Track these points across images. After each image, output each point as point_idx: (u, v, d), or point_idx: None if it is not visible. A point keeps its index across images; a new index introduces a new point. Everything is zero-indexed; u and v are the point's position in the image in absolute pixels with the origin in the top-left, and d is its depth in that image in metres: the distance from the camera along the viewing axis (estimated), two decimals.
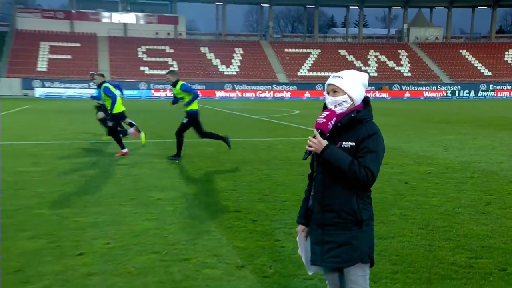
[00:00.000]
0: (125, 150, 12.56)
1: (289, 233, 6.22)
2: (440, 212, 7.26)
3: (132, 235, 6.04)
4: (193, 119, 12.16)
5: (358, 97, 3.09)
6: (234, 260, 5.26)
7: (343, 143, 3.00)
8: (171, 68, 13.09)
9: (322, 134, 3.00)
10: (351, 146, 2.98)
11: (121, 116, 13.18)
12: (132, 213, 7.09)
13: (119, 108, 12.86)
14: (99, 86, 13.12)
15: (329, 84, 3.12)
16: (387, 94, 64.85)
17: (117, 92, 13.14)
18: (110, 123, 12.85)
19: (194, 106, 12.15)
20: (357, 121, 3.03)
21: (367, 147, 2.95)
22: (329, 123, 3.02)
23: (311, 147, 2.99)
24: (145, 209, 7.29)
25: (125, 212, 7.15)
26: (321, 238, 3.09)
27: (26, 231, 6.19)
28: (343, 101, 3.05)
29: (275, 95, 63.40)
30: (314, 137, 2.99)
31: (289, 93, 63.97)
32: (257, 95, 63.01)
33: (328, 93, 3.12)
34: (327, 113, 3.04)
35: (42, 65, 63.41)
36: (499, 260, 5.25)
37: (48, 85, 59.47)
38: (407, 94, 65.66)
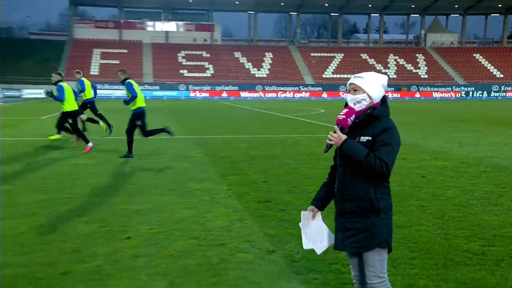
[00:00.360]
0: (90, 145, 12.36)
1: None
2: (455, 203, 7.15)
3: (173, 222, 6.11)
4: (138, 117, 11.56)
5: (377, 96, 3.08)
6: (265, 245, 5.27)
7: (361, 137, 2.99)
8: (122, 68, 12.48)
9: (342, 130, 3.01)
10: (368, 140, 2.97)
11: (76, 113, 12.96)
12: (172, 202, 7.16)
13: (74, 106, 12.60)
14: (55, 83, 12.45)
15: (350, 83, 3.12)
16: (405, 95, 63.83)
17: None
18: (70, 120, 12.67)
19: (140, 104, 11.53)
20: (373, 118, 3.01)
21: (382, 141, 2.93)
22: (348, 119, 3.02)
23: (331, 141, 3.01)
24: (184, 199, 7.35)
25: (166, 201, 7.23)
26: (343, 225, 3.10)
27: (81, 216, 6.33)
28: (362, 99, 3.05)
29: (302, 96, 63.10)
30: (334, 132, 3.00)
31: (314, 94, 63.57)
32: (285, 96, 62.82)
33: (349, 92, 3.13)
34: (347, 110, 3.05)
35: (94, 69, 64.46)
36: (510, 248, 5.17)
37: (100, 87, 59.84)
38: (424, 95, 64.59)
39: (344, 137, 2.97)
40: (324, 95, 63.23)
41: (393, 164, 2.97)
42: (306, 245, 3.34)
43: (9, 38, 77.29)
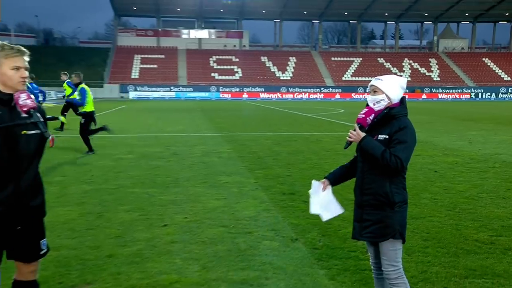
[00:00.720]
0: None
1: None
2: (465, 196, 7.03)
3: (205, 211, 6.14)
4: (88, 119, 11.41)
5: (395, 97, 3.03)
6: (289, 234, 5.26)
7: (379, 135, 2.96)
8: (77, 72, 12.05)
9: (362, 128, 2.98)
10: (385, 138, 2.93)
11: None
12: (204, 193, 7.19)
13: None
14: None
15: (371, 85, 3.09)
16: (418, 96, 62.89)
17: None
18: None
19: (89, 108, 11.35)
20: (391, 117, 2.97)
21: (398, 139, 2.89)
22: (368, 118, 2.99)
23: (351, 138, 3.00)
24: (215, 190, 7.38)
25: (198, 192, 7.26)
26: (360, 216, 3.07)
27: (123, 205, 6.42)
28: (381, 100, 3.00)
29: (323, 97, 62.78)
30: (354, 130, 2.98)
31: (335, 95, 63.18)
32: (308, 97, 62.56)
33: (370, 93, 3.09)
34: (367, 110, 3.03)
35: (135, 73, 65.28)
36: None
37: (139, 89, 61.15)
38: (436, 96, 63.68)
39: (363, 134, 2.95)
40: (343, 96, 62.73)
41: (408, 161, 2.93)
42: (314, 210, 3.32)
43: (62, 46, 79.32)
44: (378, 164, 2.90)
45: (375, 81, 3.06)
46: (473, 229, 5.40)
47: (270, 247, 4.80)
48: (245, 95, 61.46)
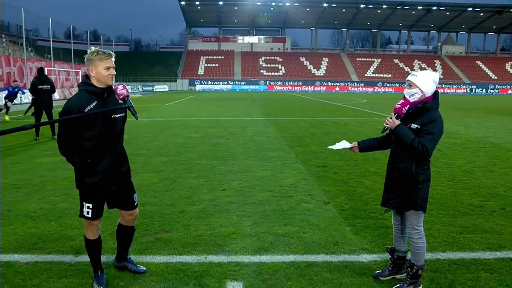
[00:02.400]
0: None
1: (359, 181, 5.99)
2: (462, 170, 6.85)
3: (255, 179, 6.13)
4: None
5: (428, 90, 2.81)
6: (322, 198, 5.16)
7: (412, 125, 2.79)
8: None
9: (398, 117, 2.83)
10: (416, 128, 2.76)
11: None
12: (254, 165, 7.18)
13: None
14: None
15: (407, 80, 2.89)
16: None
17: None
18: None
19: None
20: (424, 109, 2.78)
21: (427, 130, 2.72)
22: (403, 108, 2.82)
23: (387, 124, 2.85)
24: (263, 163, 7.35)
25: (250, 164, 7.25)
26: (389, 188, 2.95)
27: (192, 173, 6.51)
28: (415, 93, 2.81)
29: (350, 89, 61.24)
30: (391, 118, 2.84)
31: (359, 88, 61.50)
32: (337, 89, 61.23)
33: (406, 87, 2.92)
34: (403, 101, 2.85)
35: (201, 71, 66.08)
36: (500, 203, 5.07)
37: (204, 83, 61.92)
38: (441, 90, 61.75)
39: (397, 122, 2.80)
40: (366, 88, 61.02)
41: (433, 149, 2.77)
42: (331, 146, 3.28)
43: (147, 51, 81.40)
44: (407, 148, 2.76)
45: (411, 77, 2.86)
46: (468, 196, 5.32)
47: (307, 208, 4.74)
48: (287, 88, 60.91)
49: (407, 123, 2.82)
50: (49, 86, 10.07)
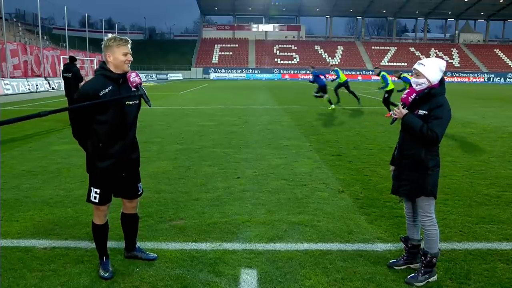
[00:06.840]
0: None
1: (373, 170, 5.92)
2: (479, 160, 6.72)
3: (269, 167, 6.11)
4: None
5: (435, 78, 2.80)
6: (337, 187, 5.11)
7: (419, 111, 2.77)
8: None
9: (405, 106, 2.84)
10: (424, 114, 2.74)
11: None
12: (269, 153, 7.15)
13: None
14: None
15: (414, 69, 2.87)
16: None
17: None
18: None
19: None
20: (431, 96, 2.77)
21: (434, 115, 2.70)
22: (409, 97, 2.84)
23: (396, 115, 2.87)
24: (277, 151, 7.32)
25: (264, 152, 7.23)
26: (399, 176, 2.93)
27: (206, 161, 6.52)
28: (422, 82, 2.80)
29: (364, 78, 60.38)
30: (399, 108, 2.85)
31: (374, 76, 60.52)
32: (352, 78, 60.50)
33: (413, 75, 2.88)
34: (409, 90, 2.87)
35: (215, 59, 65.99)
36: None
37: (218, 71, 61.87)
38: (457, 79, 60.48)
39: (405, 112, 2.82)
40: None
41: (443, 134, 2.73)
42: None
43: (162, 39, 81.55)
44: (417, 136, 2.75)
45: (418, 66, 2.84)
46: (484, 186, 5.22)
47: (321, 197, 4.70)
48: (301, 76, 60.30)
49: (414, 109, 2.82)
50: (70, 74, 10.72)
